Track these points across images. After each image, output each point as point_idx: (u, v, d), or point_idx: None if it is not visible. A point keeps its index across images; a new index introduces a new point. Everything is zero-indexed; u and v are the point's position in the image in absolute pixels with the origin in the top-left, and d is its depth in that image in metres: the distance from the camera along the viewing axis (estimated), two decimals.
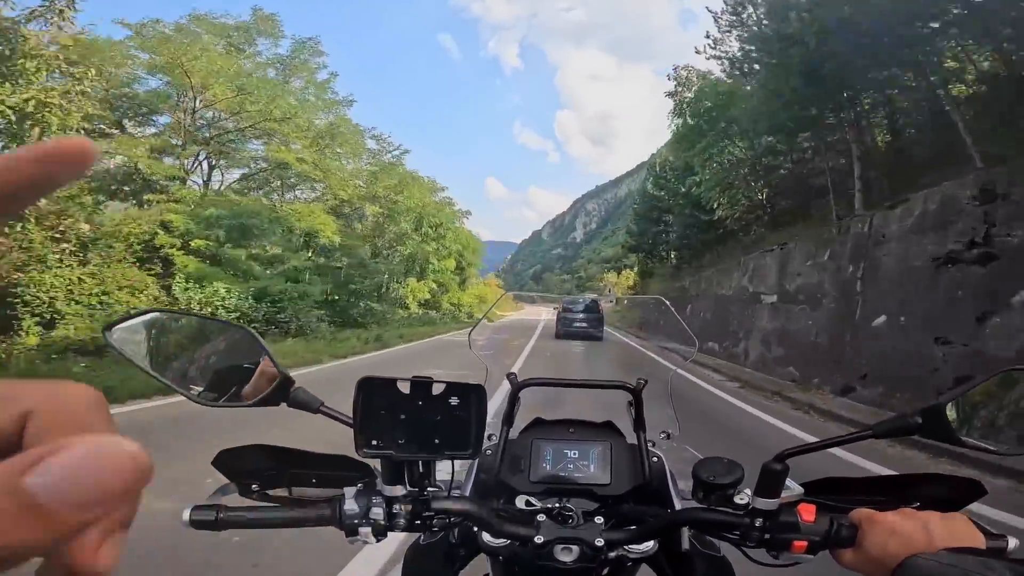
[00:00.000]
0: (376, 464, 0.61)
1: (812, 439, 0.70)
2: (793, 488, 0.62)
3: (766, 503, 0.60)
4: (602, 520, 0.66)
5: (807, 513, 0.60)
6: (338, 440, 0.64)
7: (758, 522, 0.60)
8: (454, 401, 0.56)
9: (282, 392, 0.64)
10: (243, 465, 0.67)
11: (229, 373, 0.66)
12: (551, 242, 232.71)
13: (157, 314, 0.67)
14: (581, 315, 12.37)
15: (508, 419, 0.87)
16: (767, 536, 0.60)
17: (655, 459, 0.85)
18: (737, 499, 0.63)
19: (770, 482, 0.60)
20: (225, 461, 0.66)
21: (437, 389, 0.55)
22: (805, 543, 0.59)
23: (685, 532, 0.71)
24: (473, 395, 0.56)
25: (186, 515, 0.57)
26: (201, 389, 0.65)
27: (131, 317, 0.64)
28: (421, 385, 0.55)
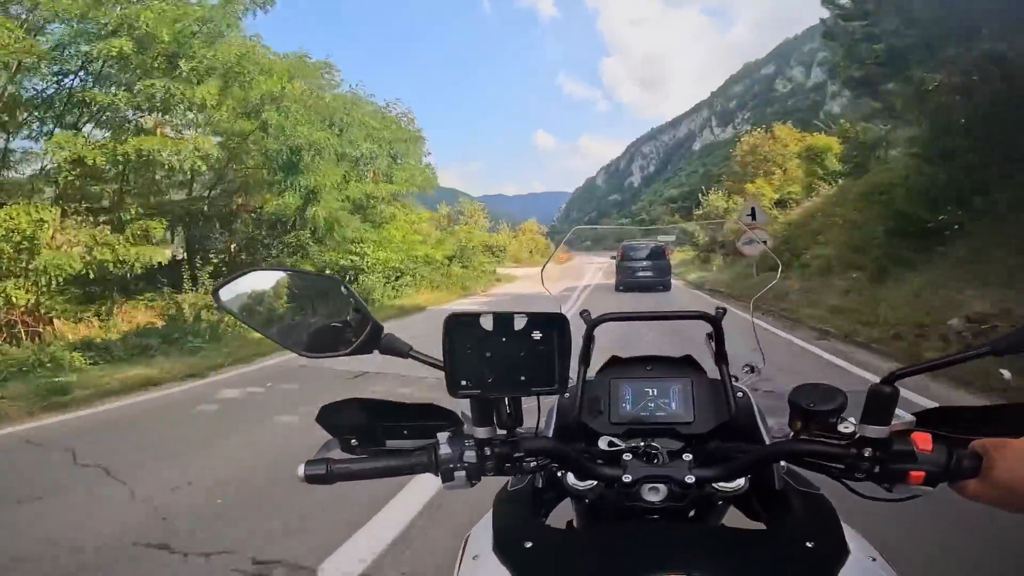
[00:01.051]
0: (463, 409, 0.63)
1: None
2: (903, 417, 0.59)
3: (876, 431, 0.56)
4: (691, 457, 0.65)
5: (923, 441, 0.55)
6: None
7: (867, 452, 0.56)
8: (536, 336, 0.55)
9: (374, 339, 0.67)
10: (342, 420, 0.70)
11: (325, 324, 0.71)
12: (607, 188, 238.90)
13: (257, 272, 0.74)
14: (645, 262, 11.09)
15: (585, 359, 0.84)
16: (877, 468, 0.56)
17: (740, 394, 0.81)
18: (841, 428, 0.60)
19: (879, 407, 0.56)
20: (326, 417, 0.70)
21: (519, 323, 0.55)
22: (923, 473, 0.54)
23: (778, 469, 0.69)
24: (555, 327, 0.56)
25: (301, 471, 0.60)
26: (300, 340, 0.70)
27: (235, 277, 0.71)
28: (503, 319, 0.56)
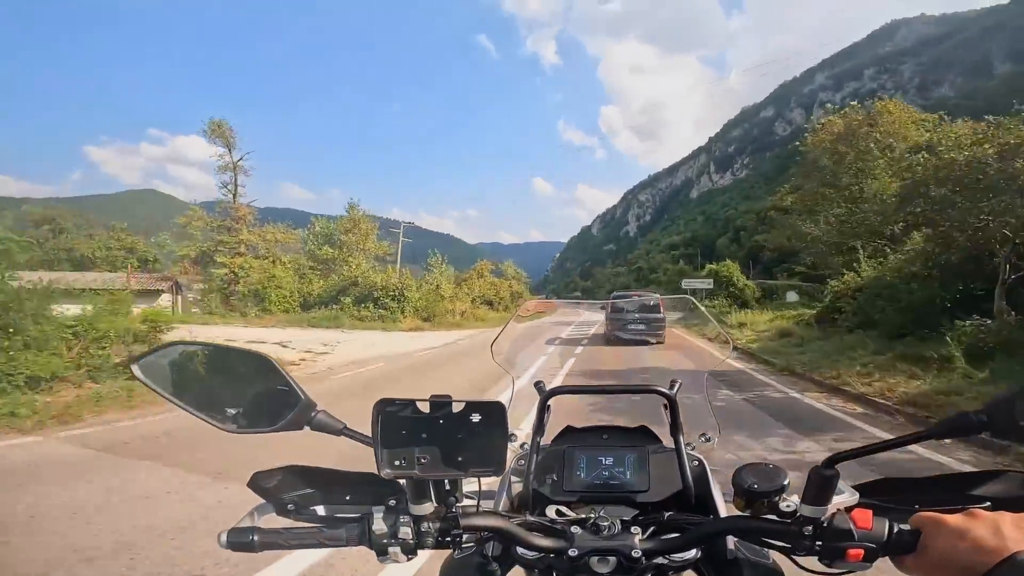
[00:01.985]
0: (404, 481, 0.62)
1: None
2: (845, 492, 0.60)
3: (815, 511, 0.58)
4: (639, 529, 0.65)
5: (862, 519, 0.57)
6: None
7: (807, 530, 0.58)
8: (475, 418, 0.57)
9: (305, 416, 0.66)
10: (278, 486, 0.69)
11: (251, 400, 0.69)
12: (601, 237, 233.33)
13: (179, 346, 0.72)
14: (636, 315, 10.70)
15: (539, 428, 0.86)
16: (819, 544, 0.58)
17: (695, 463, 0.83)
18: (783, 506, 0.60)
19: (819, 488, 0.57)
20: (260, 482, 0.68)
21: (457, 407, 0.57)
22: (861, 551, 0.56)
23: (731, 540, 0.70)
24: (494, 412, 0.57)
25: (223, 538, 0.60)
26: (225, 416, 0.67)
27: (155, 351, 0.70)
28: (440, 404, 0.57)
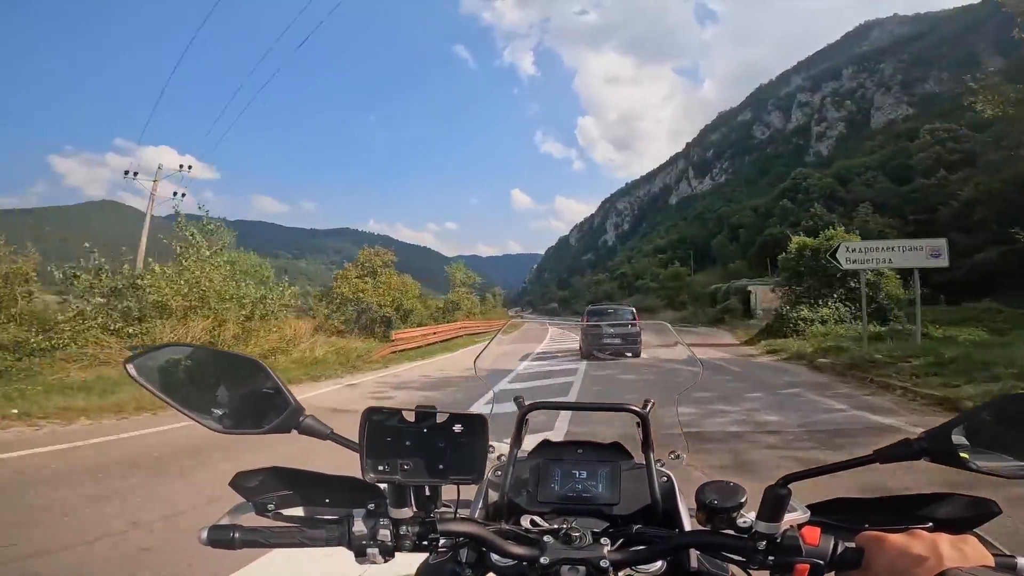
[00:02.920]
0: (386, 486, 0.64)
1: None
2: (798, 510, 0.66)
3: (769, 527, 0.62)
4: (608, 541, 0.67)
5: (811, 536, 0.60)
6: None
7: (761, 545, 0.62)
8: (457, 428, 0.61)
9: (292, 420, 0.69)
10: (259, 486, 0.70)
11: (242, 402, 0.72)
12: (579, 247, 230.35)
13: (173, 347, 0.77)
14: (612, 329, 10.70)
15: (516, 441, 0.91)
16: (771, 559, 0.61)
17: (664, 479, 0.87)
18: (740, 522, 0.65)
19: (773, 506, 0.62)
20: (242, 482, 0.69)
21: (441, 418, 0.60)
22: (808, 567, 0.59)
23: (693, 552, 0.73)
24: (476, 424, 0.61)
25: (204, 535, 0.62)
26: (214, 416, 0.70)
27: (149, 351, 0.73)
28: (425, 415, 0.60)
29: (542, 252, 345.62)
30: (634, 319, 10.70)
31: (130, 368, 0.70)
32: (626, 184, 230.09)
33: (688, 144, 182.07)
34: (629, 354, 9.47)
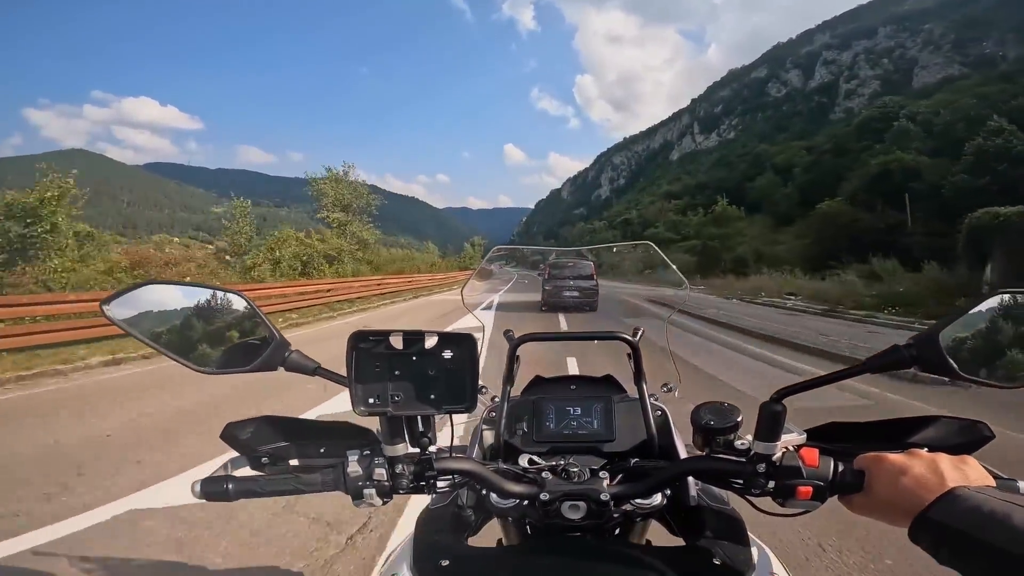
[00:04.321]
0: (378, 427, 0.62)
1: None
2: (794, 432, 0.65)
3: (767, 447, 0.60)
4: (607, 475, 0.66)
5: (810, 457, 0.59)
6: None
7: (760, 467, 0.60)
8: (447, 354, 0.57)
9: (278, 356, 0.66)
10: (251, 437, 0.69)
11: (226, 340, 0.69)
12: (572, 201, 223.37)
13: (151, 285, 0.70)
14: (571, 282, 10.69)
15: (509, 378, 0.88)
16: (771, 484, 0.60)
17: (658, 412, 0.86)
18: (738, 444, 0.64)
19: (769, 424, 0.60)
20: (233, 433, 0.68)
21: (430, 342, 0.57)
22: (810, 488, 0.58)
23: (693, 486, 0.71)
24: (465, 346, 0.57)
25: (196, 488, 0.60)
26: (199, 357, 0.67)
27: (127, 290, 0.68)
28: (413, 339, 0.57)
29: (533, 207, 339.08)
30: (592, 274, 10.68)
31: (107, 310, 0.65)
32: (624, 139, 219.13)
33: (693, 100, 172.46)
34: (587, 308, 9.60)
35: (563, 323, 8.93)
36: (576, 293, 10.47)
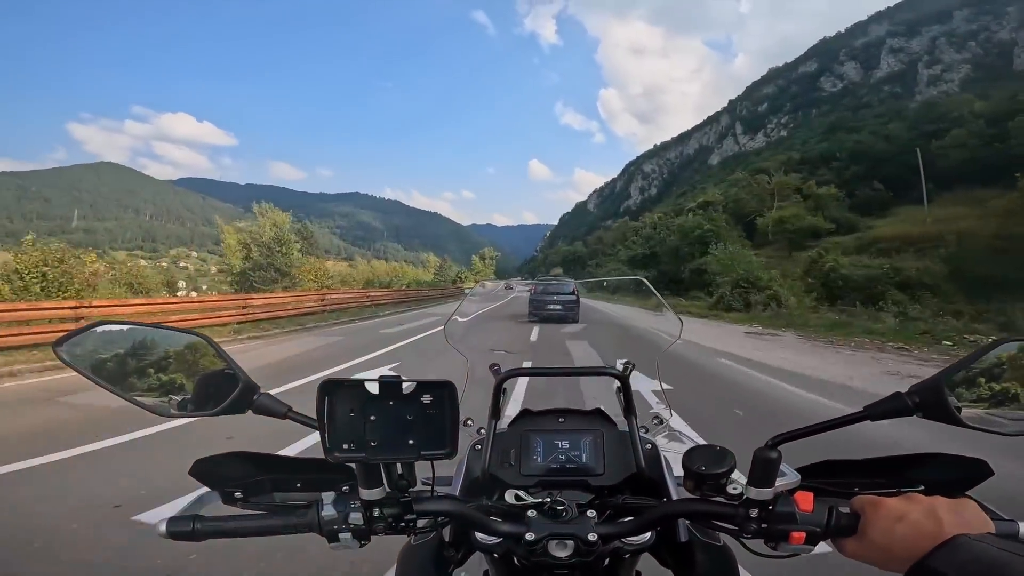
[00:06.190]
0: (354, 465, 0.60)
1: None
2: (789, 475, 0.62)
3: (760, 492, 0.58)
4: (595, 513, 0.65)
5: (804, 502, 0.58)
6: None
7: (753, 512, 0.59)
8: (426, 399, 0.55)
9: (246, 399, 0.63)
10: (223, 473, 0.67)
11: (188, 382, 0.66)
12: (599, 213, 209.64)
13: (105, 327, 0.67)
14: (555, 297, 11.23)
15: (495, 412, 0.87)
16: (764, 527, 0.59)
17: (648, 446, 0.84)
18: (730, 489, 0.62)
19: (763, 470, 0.58)
20: (203, 470, 0.66)
21: (407, 388, 0.55)
22: (803, 534, 0.57)
23: (683, 522, 0.70)
24: (445, 392, 0.55)
25: (163, 527, 0.57)
26: (160, 401, 0.64)
27: (79, 332, 0.65)
28: (390, 385, 0.54)
29: (557, 222, 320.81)
30: (573, 290, 11.32)
31: (60, 352, 0.63)
32: (655, 145, 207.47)
33: (731, 101, 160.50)
34: (570, 319, 10.47)
35: (535, 333, 7.79)
36: (559, 307, 11.14)
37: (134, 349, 0.67)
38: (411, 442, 0.55)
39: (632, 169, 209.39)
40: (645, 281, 1.31)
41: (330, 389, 0.54)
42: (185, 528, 0.58)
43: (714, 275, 25.51)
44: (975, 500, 0.54)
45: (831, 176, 49.24)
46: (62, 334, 0.65)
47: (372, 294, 23.90)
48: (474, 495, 0.78)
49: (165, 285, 26.85)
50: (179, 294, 28.42)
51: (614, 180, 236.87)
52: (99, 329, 0.66)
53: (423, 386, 0.55)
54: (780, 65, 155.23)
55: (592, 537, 0.61)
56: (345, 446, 0.54)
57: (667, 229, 44.18)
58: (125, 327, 0.68)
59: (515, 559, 0.68)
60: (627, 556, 0.70)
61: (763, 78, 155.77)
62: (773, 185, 47.63)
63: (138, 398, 0.64)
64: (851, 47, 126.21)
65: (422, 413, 0.55)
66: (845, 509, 0.57)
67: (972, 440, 0.68)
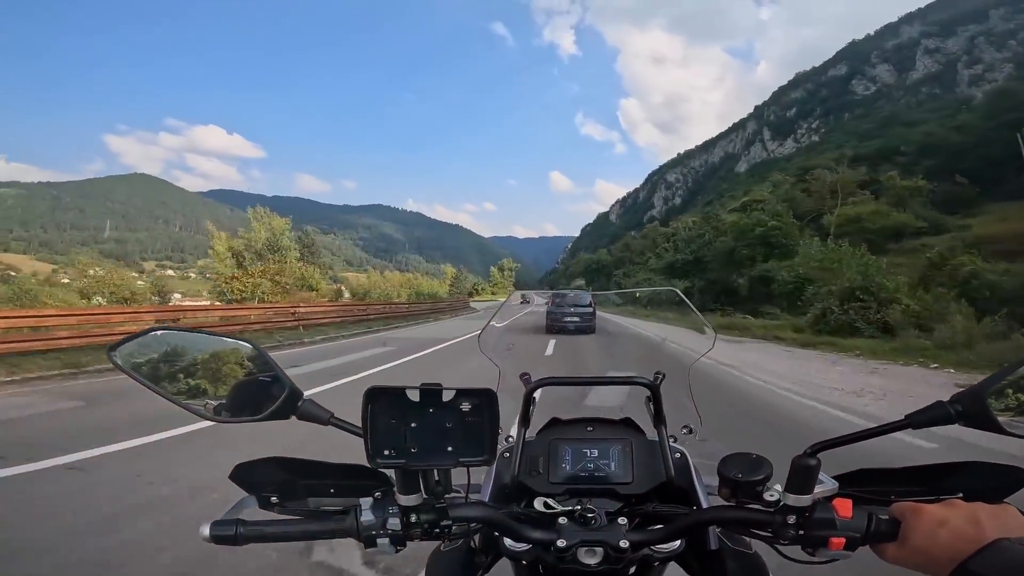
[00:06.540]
0: (393, 472, 0.61)
1: None
2: (826, 482, 0.61)
3: (798, 499, 0.58)
4: (625, 521, 0.66)
5: (843, 508, 0.58)
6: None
7: (791, 519, 0.59)
8: (465, 407, 0.56)
9: (291, 405, 0.65)
10: (260, 478, 0.68)
11: (237, 388, 0.67)
12: (621, 224, 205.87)
13: (160, 332, 0.69)
14: (571, 309, 11.31)
15: (524, 420, 0.88)
16: (801, 533, 0.59)
17: (678, 455, 0.84)
18: (767, 496, 0.61)
19: (802, 477, 0.58)
20: (242, 475, 0.68)
21: (447, 396, 0.56)
22: (843, 540, 0.57)
23: (714, 529, 0.70)
24: (484, 400, 0.56)
25: (206, 531, 0.59)
26: (209, 405, 0.66)
27: (134, 337, 0.67)
28: (431, 393, 0.56)
29: (578, 234, 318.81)
30: (590, 303, 10.72)
31: (115, 357, 0.65)
32: (678, 154, 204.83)
33: (757, 107, 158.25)
34: (588, 330, 10.13)
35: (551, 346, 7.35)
36: (577, 319, 11.04)
37: (184, 355, 0.69)
38: (450, 449, 0.56)
39: (655, 179, 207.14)
40: (677, 291, 1.33)
41: (374, 396, 0.55)
42: (228, 532, 0.59)
43: (804, 282, 20.00)
44: (1014, 507, 0.54)
45: (900, 172, 44.16)
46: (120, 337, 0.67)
47: (301, 309, 16.57)
48: (503, 502, 0.78)
49: (155, 294, 27.10)
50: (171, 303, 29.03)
51: (636, 190, 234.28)
52: (151, 335, 0.68)
53: (463, 394, 0.56)
54: (807, 69, 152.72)
55: (623, 544, 0.61)
56: (387, 452, 0.56)
57: (715, 230, 39.02)
58: (177, 333, 0.71)
59: (540, 566, 0.69)
60: (656, 564, 0.70)
61: (790, 83, 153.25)
62: (836, 180, 40.68)
63: (189, 403, 0.65)
64: (883, 49, 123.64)
65: (461, 421, 0.56)
66: (884, 515, 0.57)
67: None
